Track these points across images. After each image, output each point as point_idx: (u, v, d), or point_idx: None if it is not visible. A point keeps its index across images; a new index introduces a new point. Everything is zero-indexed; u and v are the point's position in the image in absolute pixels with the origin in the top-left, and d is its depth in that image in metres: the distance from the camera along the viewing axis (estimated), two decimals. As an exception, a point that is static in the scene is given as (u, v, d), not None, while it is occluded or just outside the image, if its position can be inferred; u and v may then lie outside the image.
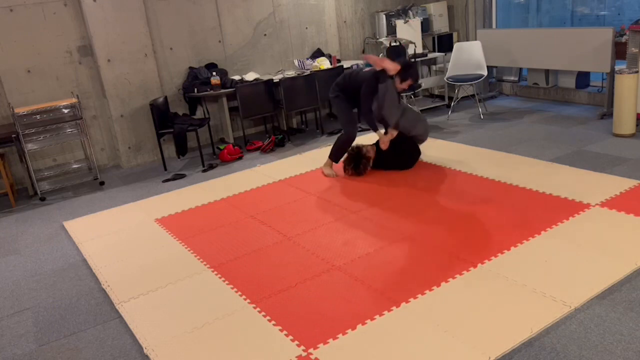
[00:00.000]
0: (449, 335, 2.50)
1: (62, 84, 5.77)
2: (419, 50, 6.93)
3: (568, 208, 3.64)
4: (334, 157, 4.91)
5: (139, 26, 5.85)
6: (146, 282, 3.37)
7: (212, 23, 6.43)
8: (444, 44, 7.39)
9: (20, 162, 5.54)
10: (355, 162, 4.75)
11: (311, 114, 7.05)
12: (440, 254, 3.24)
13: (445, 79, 6.54)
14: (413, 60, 5.13)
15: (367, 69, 4.76)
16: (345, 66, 6.65)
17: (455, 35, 7.47)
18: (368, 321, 2.67)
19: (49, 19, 5.58)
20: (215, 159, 5.96)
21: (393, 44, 6.37)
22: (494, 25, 7.34)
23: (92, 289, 3.41)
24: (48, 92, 5.70)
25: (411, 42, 6.66)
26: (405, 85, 4.56)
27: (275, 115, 6.73)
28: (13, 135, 5.06)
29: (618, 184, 3.93)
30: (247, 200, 4.55)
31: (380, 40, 7.08)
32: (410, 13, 7.17)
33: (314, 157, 5.55)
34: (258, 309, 2.91)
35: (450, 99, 6.89)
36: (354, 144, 4.82)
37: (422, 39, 7.13)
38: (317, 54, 7.08)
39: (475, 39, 6.85)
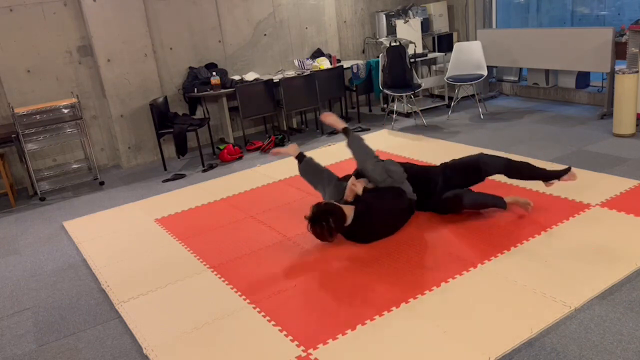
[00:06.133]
0: (449, 335, 2.50)
1: (62, 84, 5.77)
2: (419, 50, 6.93)
3: (568, 208, 3.64)
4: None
5: (139, 26, 5.85)
6: (146, 282, 3.37)
7: (212, 23, 6.43)
8: (444, 44, 7.39)
9: (20, 162, 5.54)
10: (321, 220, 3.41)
11: (311, 114, 7.05)
12: (440, 254, 3.24)
13: (445, 79, 6.53)
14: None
15: None
16: (345, 66, 6.66)
17: (455, 35, 7.47)
18: (368, 321, 2.67)
19: (49, 19, 5.58)
20: (215, 159, 5.96)
21: (393, 44, 6.37)
22: (494, 25, 7.34)
23: (92, 289, 3.41)
24: (48, 92, 5.70)
25: (411, 42, 6.66)
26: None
27: (275, 115, 6.73)
28: (13, 135, 5.06)
29: (618, 184, 3.93)
30: (247, 200, 4.55)
31: (380, 40, 7.09)
32: (410, 13, 7.17)
33: (314, 157, 5.53)
34: (258, 309, 2.91)
35: (450, 99, 6.89)
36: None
37: (422, 39, 7.12)
38: (317, 54, 7.08)
39: (475, 39, 6.85)
